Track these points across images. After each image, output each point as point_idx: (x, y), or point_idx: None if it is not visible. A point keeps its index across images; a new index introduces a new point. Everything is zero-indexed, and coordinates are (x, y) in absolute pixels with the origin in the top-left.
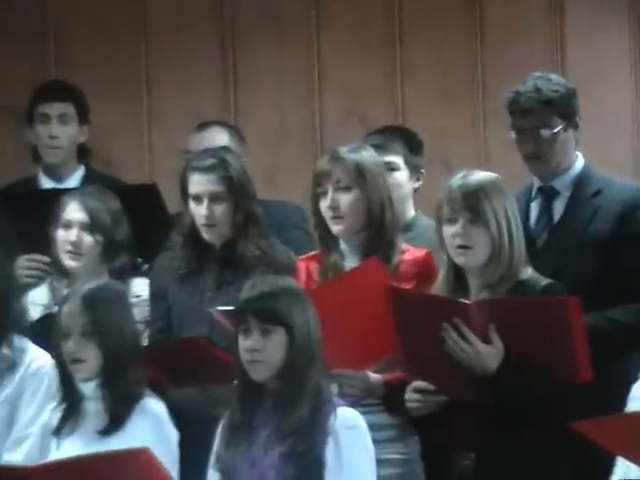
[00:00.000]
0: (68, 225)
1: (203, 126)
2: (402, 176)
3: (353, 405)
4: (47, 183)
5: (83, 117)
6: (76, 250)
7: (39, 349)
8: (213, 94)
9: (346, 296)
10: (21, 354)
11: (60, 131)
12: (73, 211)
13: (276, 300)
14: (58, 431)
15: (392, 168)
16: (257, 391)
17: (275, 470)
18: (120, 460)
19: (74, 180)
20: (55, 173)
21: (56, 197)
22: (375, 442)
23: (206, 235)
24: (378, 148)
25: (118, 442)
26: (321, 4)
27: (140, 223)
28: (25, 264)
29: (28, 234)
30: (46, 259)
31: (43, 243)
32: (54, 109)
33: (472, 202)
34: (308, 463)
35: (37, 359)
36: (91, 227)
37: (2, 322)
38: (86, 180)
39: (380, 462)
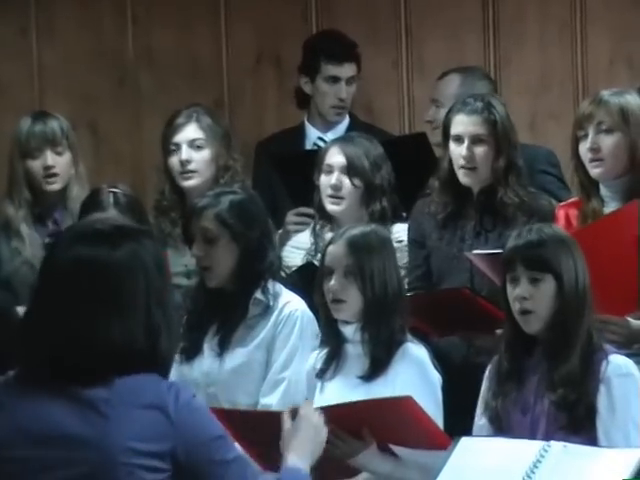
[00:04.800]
0: (329, 170)
1: (442, 75)
2: None
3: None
4: (313, 132)
5: (359, 73)
6: (336, 194)
7: (292, 294)
8: (474, 41)
9: (605, 240)
10: (275, 299)
11: (348, 93)
12: (333, 155)
13: (544, 248)
14: (321, 374)
15: None
16: (527, 340)
17: (546, 418)
18: (384, 407)
19: (339, 130)
20: (322, 123)
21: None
22: None
23: (464, 178)
24: None
25: (380, 386)
26: None
27: (411, 173)
28: (292, 219)
29: (295, 191)
30: (311, 211)
31: (309, 198)
32: (344, 72)
33: None
34: (580, 411)
35: (290, 303)
36: (349, 171)
37: (257, 268)
38: (351, 129)
39: None
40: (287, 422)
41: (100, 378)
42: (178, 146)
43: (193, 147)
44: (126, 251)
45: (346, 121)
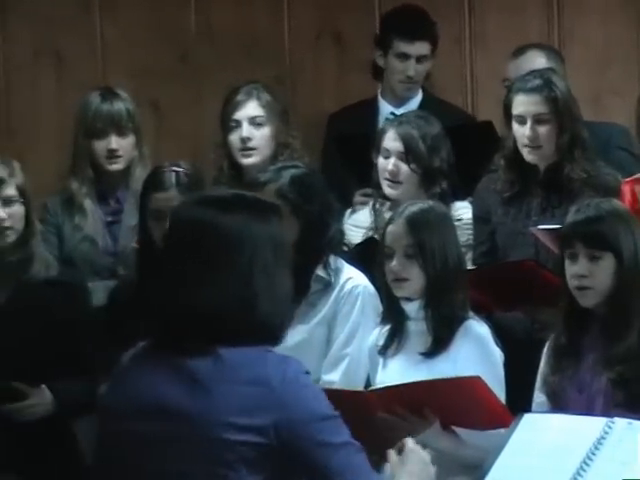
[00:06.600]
0: (387, 154)
1: (519, 52)
2: None
3: None
4: (385, 107)
5: (434, 52)
6: (394, 179)
7: (354, 270)
8: (537, 16)
9: None
10: (336, 275)
11: (417, 71)
12: (390, 140)
13: (603, 224)
14: (384, 351)
15: None
16: (584, 315)
17: (603, 396)
18: (452, 386)
19: (412, 105)
20: (394, 98)
21: None
22: None
23: (529, 157)
24: None
25: (442, 363)
26: None
27: (476, 160)
28: (359, 199)
29: (360, 172)
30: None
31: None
32: (415, 49)
33: None
34: (637, 390)
35: (351, 279)
36: (406, 156)
37: (318, 244)
38: (423, 105)
39: None
40: (393, 456)
41: (204, 348)
42: (238, 123)
43: (253, 124)
44: (236, 218)
45: (419, 96)
